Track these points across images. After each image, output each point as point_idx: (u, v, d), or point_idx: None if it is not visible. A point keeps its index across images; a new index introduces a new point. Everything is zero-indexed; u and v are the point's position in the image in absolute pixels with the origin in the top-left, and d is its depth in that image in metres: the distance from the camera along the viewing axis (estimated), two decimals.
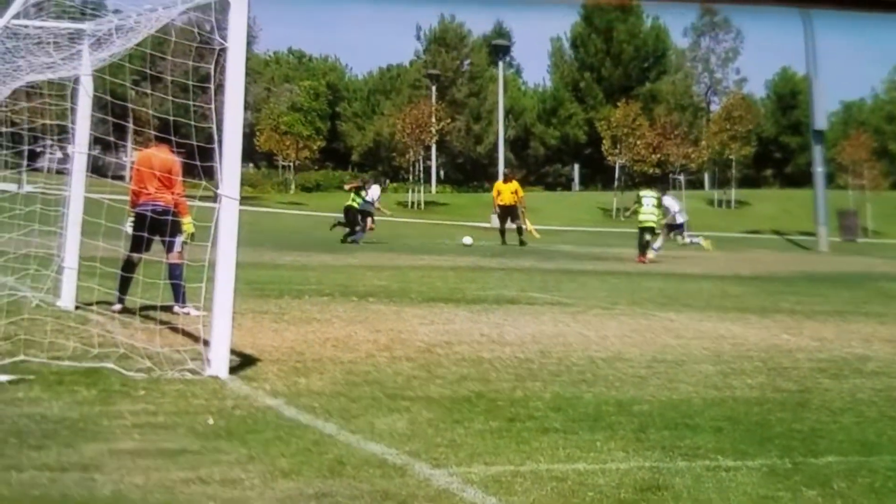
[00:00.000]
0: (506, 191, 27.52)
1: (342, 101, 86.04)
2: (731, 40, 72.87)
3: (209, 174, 7.00)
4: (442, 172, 77.49)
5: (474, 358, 7.68)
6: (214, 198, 6.40)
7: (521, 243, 26.37)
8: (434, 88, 69.16)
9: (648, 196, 21.53)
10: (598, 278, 16.83)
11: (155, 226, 9.10)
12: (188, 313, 8.85)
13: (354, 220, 24.06)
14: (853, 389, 7.05)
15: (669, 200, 23.02)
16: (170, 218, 9.13)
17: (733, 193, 59.46)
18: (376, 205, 24.86)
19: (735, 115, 54.24)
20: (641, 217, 21.35)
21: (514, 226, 27.19)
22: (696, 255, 23.43)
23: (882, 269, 23.86)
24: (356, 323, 9.34)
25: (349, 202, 24.26)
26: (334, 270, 15.73)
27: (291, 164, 61.39)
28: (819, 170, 38.08)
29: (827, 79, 67.27)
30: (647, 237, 21.35)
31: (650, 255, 21.12)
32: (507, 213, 27.45)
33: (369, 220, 24.35)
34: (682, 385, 6.94)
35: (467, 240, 26.02)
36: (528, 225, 27.45)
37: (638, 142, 48.47)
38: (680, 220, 22.99)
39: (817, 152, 38.76)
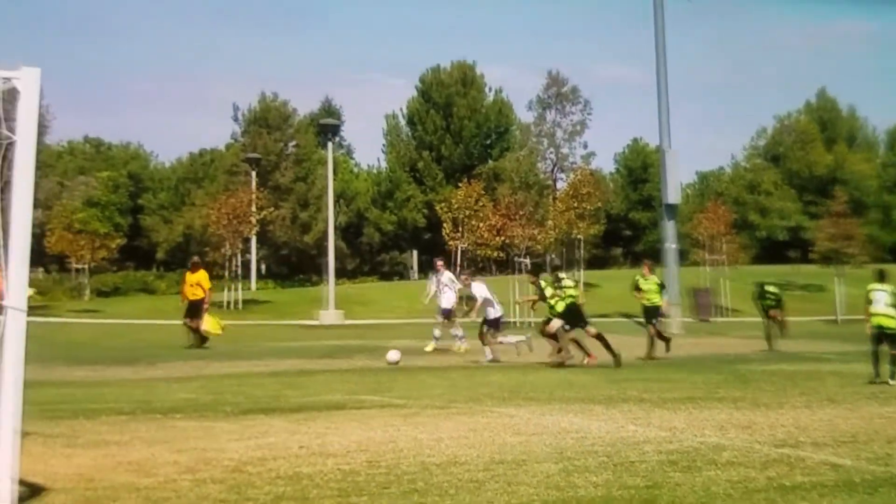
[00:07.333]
0: (191, 281, 26.17)
1: (146, 193, 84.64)
2: (578, 112, 75.73)
3: None
4: (263, 266, 76.86)
5: (292, 474, 7.62)
6: None
7: (196, 346, 25.11)
8: (254, 174, 68.99)
9: (879, 291, 17.44)
10: (435, 375, 17.01)
11: None
12: None
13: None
14: (707, 482, 7.17)
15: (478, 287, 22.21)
16: None
17: (581, 275, 61.28)
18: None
19: (583, 192, 55.90)
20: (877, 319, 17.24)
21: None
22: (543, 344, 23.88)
23: (738, 349, 24.91)
24: (157, 443, 9.13)
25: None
26: (134, 385, 15.44)
27: (86, 266, 59.47)
28: (671, 246, 39.85)
29: (682, 149, 70.39)
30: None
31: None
32: (193, 308, 25.79)
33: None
34: (521, 487, 7.06)
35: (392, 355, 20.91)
36: (209, 324, 25.81)
37: (481, 224, 49.45)
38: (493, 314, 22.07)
39: (669, 227, 40.62)
